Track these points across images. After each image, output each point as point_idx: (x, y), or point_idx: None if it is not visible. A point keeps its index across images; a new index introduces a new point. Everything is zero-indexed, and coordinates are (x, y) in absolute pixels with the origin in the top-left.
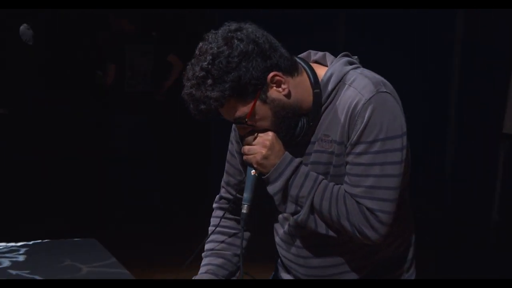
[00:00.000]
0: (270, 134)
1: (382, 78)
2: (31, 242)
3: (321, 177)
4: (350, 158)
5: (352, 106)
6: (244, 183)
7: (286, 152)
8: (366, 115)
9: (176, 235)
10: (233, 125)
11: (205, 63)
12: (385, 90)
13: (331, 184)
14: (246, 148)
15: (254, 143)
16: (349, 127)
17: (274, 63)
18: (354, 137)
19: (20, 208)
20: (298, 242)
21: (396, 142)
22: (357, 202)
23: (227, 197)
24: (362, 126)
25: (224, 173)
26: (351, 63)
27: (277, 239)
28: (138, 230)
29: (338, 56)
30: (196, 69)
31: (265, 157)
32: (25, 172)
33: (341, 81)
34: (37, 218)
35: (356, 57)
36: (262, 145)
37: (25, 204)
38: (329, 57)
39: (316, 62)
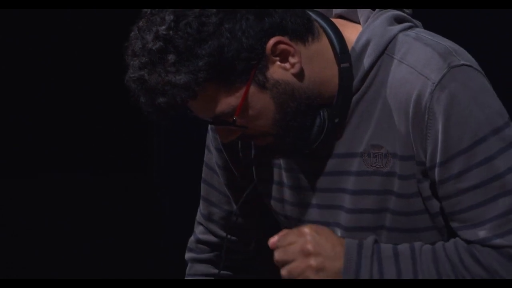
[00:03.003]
0: (305, 232)
1: (451, 43)
2: None
3: (417, 244)
4: (450, 187)
5: (414, 96)
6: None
7: (346, 240)
8: (442, 109)
9: None
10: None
11: (163, 27)
12: (461, 63)
13: (439, 244)
14: (285, 271)
15: (289, 258)
16: (415, 131)
17: (276, 23)
18: (438, 152)
19: None
20: None
21: (510, 131)
22: (495, 248)
23: (208, 240)
24: (442, 130)
25: (201, 202)
26: (399, 21)
27: None
28: None
29: (377, 9)
30: (147, 38)
31: (319, 269)
32: None
33: (384, 53)
34: None
35: (410, 10)
36: (303, 254)
37: None
38: (362, 10)
39: (341, 17)
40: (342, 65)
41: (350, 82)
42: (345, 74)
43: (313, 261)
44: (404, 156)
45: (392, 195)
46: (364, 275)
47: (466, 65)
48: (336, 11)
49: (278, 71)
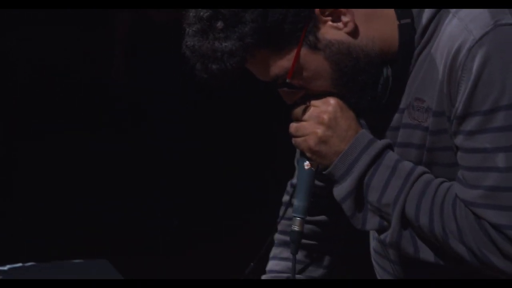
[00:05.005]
0: (330, 103)
1: None
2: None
3: (420, 169)
4: (459, 141)
5: (453, 50)
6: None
7: (362, 131)
8: (475, 67)
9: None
10: None
11: None
12: (510, 22)
13: (436, 181)
14: (293, 126)
15: (305, 117)
16: (449, 87)
17: None
18: (460, 105)
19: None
20: (392, 257)
21: None
22: (474, 214)
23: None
24: (470, 86)
25: None
26: None
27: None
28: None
29: None
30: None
31: (323, 141)
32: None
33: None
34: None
35: None
36: (316, 120)
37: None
38: None
39: None
40: (402, 21)
41: (411, 37)
42: (406, 30)
43: (321, 131)
44: (438, 112)
45: (424, 150)
46: (356, 170)
47: None
48: None
49: (330, 31)
